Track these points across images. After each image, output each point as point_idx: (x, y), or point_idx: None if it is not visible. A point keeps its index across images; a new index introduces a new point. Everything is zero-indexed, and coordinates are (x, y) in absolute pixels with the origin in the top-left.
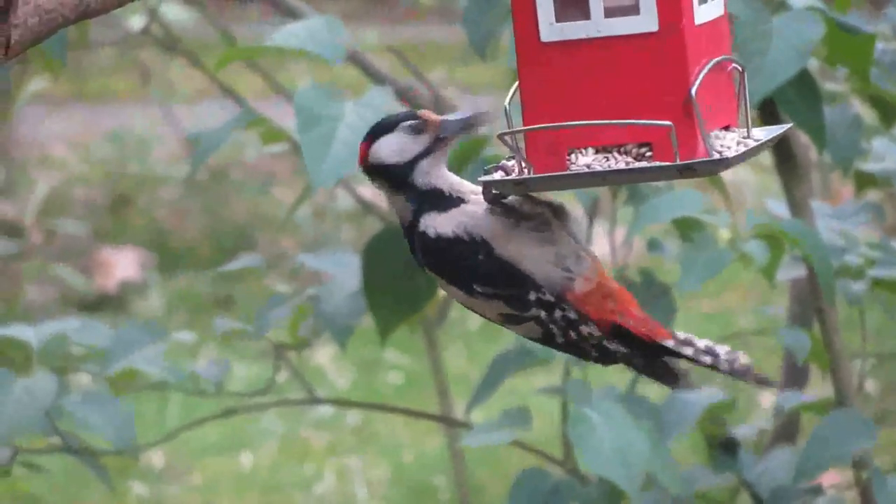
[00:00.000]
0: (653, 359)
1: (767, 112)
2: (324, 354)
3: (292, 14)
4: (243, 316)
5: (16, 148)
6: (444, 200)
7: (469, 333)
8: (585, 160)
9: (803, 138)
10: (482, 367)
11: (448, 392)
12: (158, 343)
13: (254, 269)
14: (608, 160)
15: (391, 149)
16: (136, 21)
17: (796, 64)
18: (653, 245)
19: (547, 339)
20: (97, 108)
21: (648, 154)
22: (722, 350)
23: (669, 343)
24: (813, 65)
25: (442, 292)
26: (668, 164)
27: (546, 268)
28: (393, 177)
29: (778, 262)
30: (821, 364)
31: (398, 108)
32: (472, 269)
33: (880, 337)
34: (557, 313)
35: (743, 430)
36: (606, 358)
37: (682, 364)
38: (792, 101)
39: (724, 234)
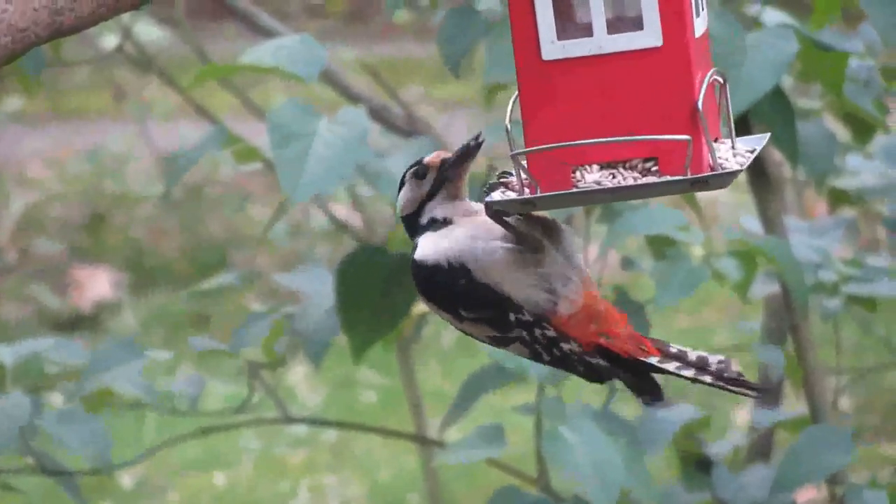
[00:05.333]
0: (637, 375)
1: (741, 128)
2: (297, 373)
3: (268, 33)
4: (219, 334)
5: None
6: (434, 226)
7: (444, 351)
8: (592, 177)
9: (777, 155)
10: (458, 384)
11: (422, 409)
12: (134, 361)
13: (230, 287)
14: (615, 176)
15: (405, 200)
16: (109, 40)
17: (771, 80)
18: (627, 262)
19: (535, 357)
20: (73, 127)
21: (654, 168)
22: (713, 360)
23: (653, 360)
24: (787, 82)
25: (416, 310)
26: (680, 178)
27: (528, 290)
28: (409, 225)
29: (751, 279)
30: (795, 380)
31: (372, 126)
32: (455, 294)
33: (857, 353)
34: (537, 332)
35: (718, 447)
36: (593, 373)
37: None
38: (765, 117)
39: (697, 250)
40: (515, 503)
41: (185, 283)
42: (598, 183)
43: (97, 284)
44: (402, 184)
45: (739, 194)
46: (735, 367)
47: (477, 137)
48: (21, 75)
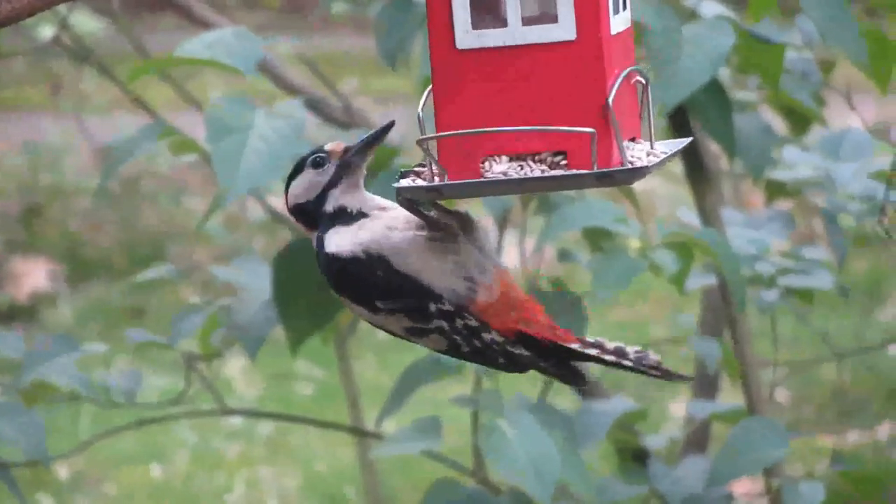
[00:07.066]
0: (560, 363)
1: (679, 120)
2: (233, 366)
3: (205, 25)
4: (156, 327)
5: None
6: (345, 218)
7: (381, 344)
8: (500, 168)
9: (714, 147)
10: (395, 377)
11: (359, 402)
12: (70, 354)
13: (166, 280)
14: (523, 168)
15: (302, 188)
16: (46, 31)
17: (708, 72)
18: (563, 255)
19: (453, 350)
20: (9, 119)
21: (563, 162)
22: (631, 350)
23: (574, 346)
24: (724, 74)
25: None
26: (586, 171)
27: (447, 278)
28: (308, 214)
29: (687, 271)
30: (732, 372)
31: (309, 118)
32: (372, 285)
33: (793, 345)
34: (458, 322)
35: (654, 440)
36: (514, 364)
37: (594, 370)
38: (703, 109)
39: (634, 243)
40: (452, 496)
41: (122, 275)
42: (505, 174)
43: (33, 276)
44: (296, 171)
45: (676, 187)
46: (653, 356)
47: (384, 128)
48: None
